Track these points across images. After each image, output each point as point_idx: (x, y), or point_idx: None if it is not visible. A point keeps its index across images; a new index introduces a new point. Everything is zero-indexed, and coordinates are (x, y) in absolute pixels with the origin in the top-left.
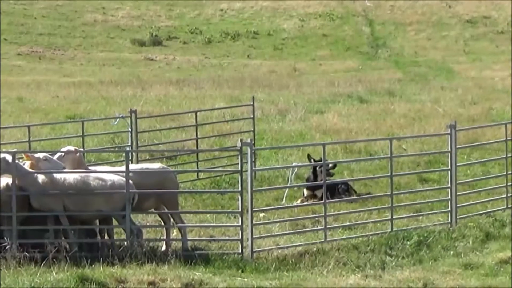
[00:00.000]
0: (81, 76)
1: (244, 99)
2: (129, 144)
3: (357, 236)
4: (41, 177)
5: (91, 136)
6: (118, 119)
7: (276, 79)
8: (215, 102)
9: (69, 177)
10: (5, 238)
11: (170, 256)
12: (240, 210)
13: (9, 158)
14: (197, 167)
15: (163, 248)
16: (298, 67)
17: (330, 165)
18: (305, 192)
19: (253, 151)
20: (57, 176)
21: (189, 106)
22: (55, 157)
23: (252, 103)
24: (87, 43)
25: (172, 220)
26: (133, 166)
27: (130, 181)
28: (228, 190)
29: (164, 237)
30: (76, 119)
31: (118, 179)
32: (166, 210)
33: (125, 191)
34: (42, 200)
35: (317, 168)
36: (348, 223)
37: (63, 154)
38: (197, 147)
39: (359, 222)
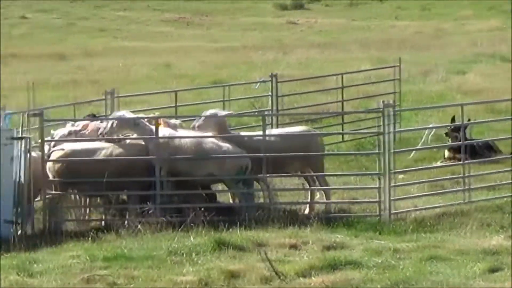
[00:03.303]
0: (226, 42)
1: (391, 61)
2: (269, 108)
3: (501, 196)
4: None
5: (232, 101)
6: (259, 84)
7: (421, 40)
8: (361, 64)
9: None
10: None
11: (313, 219)
12: (379, 172)
13: (128, 115)
14: (342, 130)
15: (306, 211)
16: (442, 28)
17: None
18: (446, 153)
19: (394, 113)
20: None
21: (331, 69)
22: (200, 120)
23: (398, 64)
24: (233, 8)
25: (316, 182)
26: (277, 131)
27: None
28: (367, 152)
29: (307, 200)
30: (219, 84)
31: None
32: (311, 173)
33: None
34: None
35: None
36: (489, 184)
37: (205, 117)
38: (342, 110)
39: (503, 182)
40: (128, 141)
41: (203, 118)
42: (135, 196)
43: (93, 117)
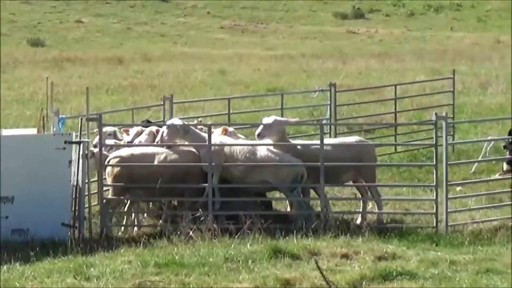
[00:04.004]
0: (282, 50)
1: (445, 72)
2: (328, 117)
3: None
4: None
5: (290, 109)
6: (317, 92)
7: (479, 52)
8: (416, 75)
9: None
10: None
11: (364, 229)
12: (435, 183)
13: (178, 122)
14: (395, 141)
15: (358, 220)
16: (502, 39)
17: None
18: (505, 166)
19: (448, 124)
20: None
21: (389, 79)
22: (260, 128)
23: (452, 76)
24: (289, 16)
25: (369, 193)
26: (331, 140)
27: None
28: (422, 163)
29: (360, 210)
30: (276, 92)
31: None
32: (364, 183)
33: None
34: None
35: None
36: None
37: (269, 124)
38: (395, 121)
39: None
40: (181, 148)
41: (264, 124)
42: (188, 203)
43: (148, 123)
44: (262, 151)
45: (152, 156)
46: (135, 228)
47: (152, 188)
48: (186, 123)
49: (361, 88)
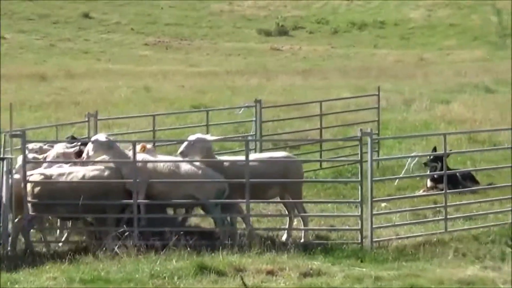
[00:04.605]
0: (207, 66)
1: (369, 89)
2: (253, 133)
3: (477, 227)
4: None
5: (215, 125)
6: (243, 109)
7: (403, 69)
8: (340, 92)
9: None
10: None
11: (290, 245)
12: (360, 200)
13: (102, 138)
14: (320, 157)
15: (284, 237)
16: (425, 57)
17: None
18: (428, 183)
19: (373, 140)
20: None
21: (314, 96)
22: (183, 146)
23: (377, 93)
24: (214, 33)
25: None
26: (258, 155)
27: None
28: (347, 179)
29: (286, 226)
30: (201, 109)
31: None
32: (290, 199)
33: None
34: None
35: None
36: (469, 214)
37: (192, 142)
38: (320, 137)
39: (480, 212)
40: (101, 164)
41: (187, 142)
42: (111, 219)
43: (73, 139)
44: (185, 166)
45: (72, 173)
46: (60, 244)
47: (75, 205)
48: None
49: (286, 104)
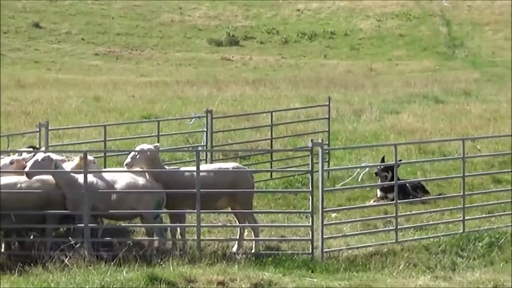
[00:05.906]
0: (157, 76)
1: (320, 99)
2: (204, 143)
3: (428, 237)
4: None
5: (166, 136)
6: (194, 119)
7: (352, 79)
8: (290, 102)
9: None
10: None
11: (241, 256)
12: (310, 210)
13: (53, 157)
14: (271, 167)
15: (235, 248)
16: (375, 67)
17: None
18: (378, 193)
19: (324, 151)
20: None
21: (264, 106)
22: (129, 157)
23: (327, 103)
24: (164, 43)
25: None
26: (208, 166)
27: (158, 184)
28: (298, 190)
29: (237, 237)
30: (151, 119)
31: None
32: (240, 210)
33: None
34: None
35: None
36: (419, 224)
37: (136, 153)
38: (271, 147)
39: (431, 222)
40: (42, 177)
41: (132, 153)
42: (50, 230)
43: (34, 149)
44: (125, 179)
45: (15, 184)
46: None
47: (19, 216)
48: (64, 156)
49: (237, 114)
